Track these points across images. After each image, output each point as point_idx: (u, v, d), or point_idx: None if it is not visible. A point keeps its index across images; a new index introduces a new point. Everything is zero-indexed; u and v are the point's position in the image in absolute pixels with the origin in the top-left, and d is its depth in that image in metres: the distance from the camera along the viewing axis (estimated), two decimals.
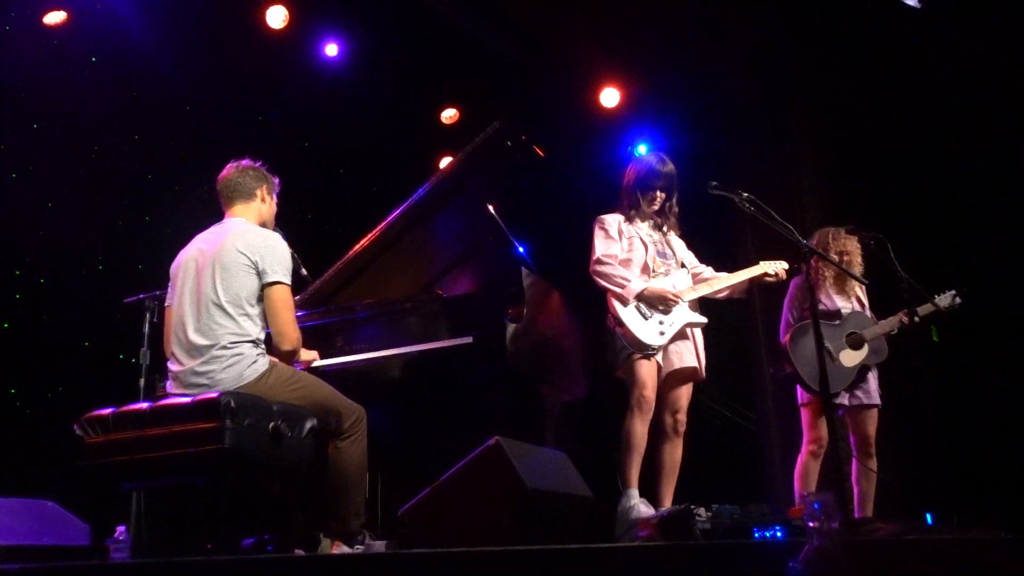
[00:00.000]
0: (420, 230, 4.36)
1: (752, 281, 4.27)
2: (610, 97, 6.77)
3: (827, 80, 6.37)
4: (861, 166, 6.32)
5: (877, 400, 4.58)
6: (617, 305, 4.04)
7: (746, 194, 3.81)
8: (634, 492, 3.88)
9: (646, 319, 4.01)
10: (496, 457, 3.15)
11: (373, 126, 6.41)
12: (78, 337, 5.39)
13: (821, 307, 4.57)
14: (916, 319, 4.31)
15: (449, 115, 6.92)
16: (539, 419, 3.93)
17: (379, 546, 3.42)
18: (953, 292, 4.55)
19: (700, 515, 3.50)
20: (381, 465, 4.05)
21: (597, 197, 4.51)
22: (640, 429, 3.95)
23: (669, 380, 4.08)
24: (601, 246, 4.15)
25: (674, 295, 4.04)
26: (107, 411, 3.12)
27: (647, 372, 3.98)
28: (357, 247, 4.29)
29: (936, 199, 5.93)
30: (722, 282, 4.22)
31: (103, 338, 5.31)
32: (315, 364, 3.82)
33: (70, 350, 5.33)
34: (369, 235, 4.27)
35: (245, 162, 3.50)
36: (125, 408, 3.12)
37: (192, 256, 3.34)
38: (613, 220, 4.21)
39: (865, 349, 4.50)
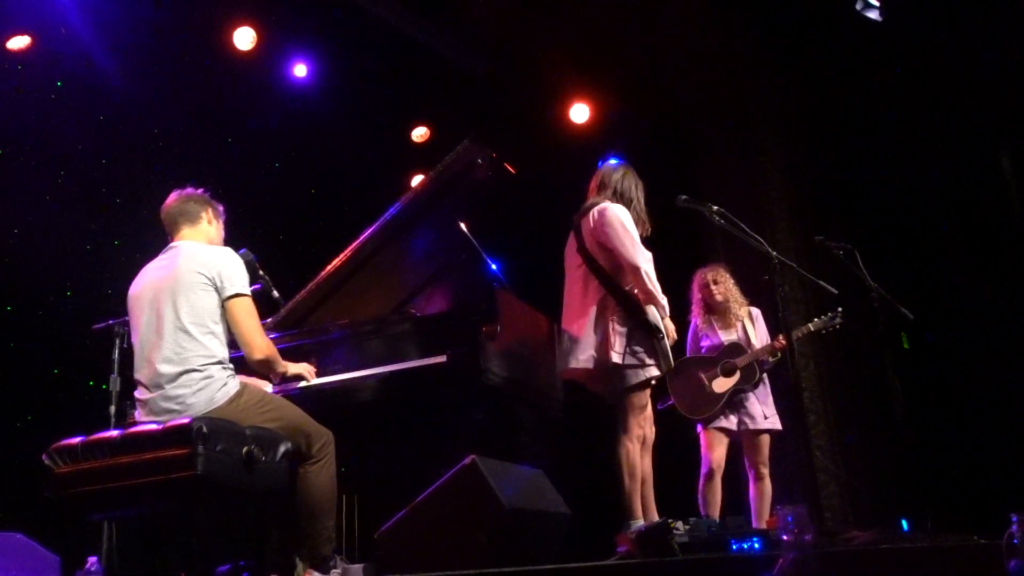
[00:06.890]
0: (392, 249, 4.34)
1: None
2: (580, 113, 6.81)
3: (795, 93, 6.46)
4: (829, 178, 6.40)
5: (765, 426, 4.73)
6: (656, 314, 3.91)
7: (716, 207, 3.83)
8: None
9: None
10: (472, 476, 3.14)
11: (344, 146, 6.40)
12: (46, 364, 5.31)
13: (708, 343, 4.86)
14: (794, 340, 4.38)
15: (420, 134, 6.93)
16: (515, 437, 3.91)
17: (355, 570, 3.39)
18: (831, 314, 4.69)
19: (678, 529, 3.50)
20: (357, 487, 4.01)
21: (568, 212, 4.51)
22: (646, 461, 3.92)
23: None
24: (637, 242, 3.87)
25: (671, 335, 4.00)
26: (76, 440, 3.07)
27: (648, 403, 3.95)
28: (329, 268, 4.26)
29: (904, 210, 6.02)
30: None
31: (72, 365, 5.23)
32: (309, 383, 3.74)
33: (38, 377, 5.24)
34: (341, 255, 4.25)
35: (188, 190, 3.48)
36: (94, 436, 3.06)
37: (145, 286, 3.30)
38: (627, 217, 3.93)
39: (736, 375, 4.71)
